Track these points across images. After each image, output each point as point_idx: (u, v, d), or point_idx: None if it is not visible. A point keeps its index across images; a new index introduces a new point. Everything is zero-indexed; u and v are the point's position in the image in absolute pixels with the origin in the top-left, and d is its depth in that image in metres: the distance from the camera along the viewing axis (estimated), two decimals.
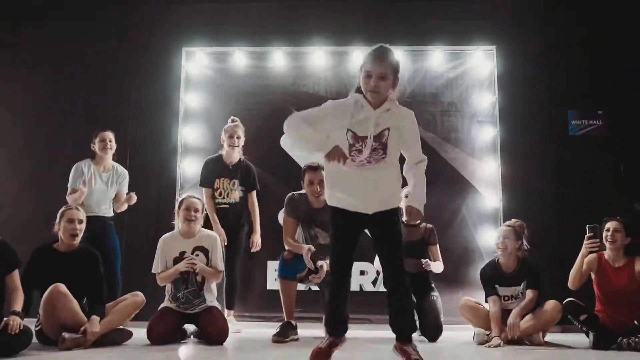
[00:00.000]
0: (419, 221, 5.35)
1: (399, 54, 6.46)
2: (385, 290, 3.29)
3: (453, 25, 6.68)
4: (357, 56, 6.62)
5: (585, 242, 4.86)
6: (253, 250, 5.93)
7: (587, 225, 4.88)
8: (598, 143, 6.49)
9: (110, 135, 5.71)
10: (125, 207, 5.80)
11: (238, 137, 5.92)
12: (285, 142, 3.14)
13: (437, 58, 6.69)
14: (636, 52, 6.53)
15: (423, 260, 5.21)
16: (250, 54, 6.78)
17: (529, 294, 4.88)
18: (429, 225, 5.40)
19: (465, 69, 6.70)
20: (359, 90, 3.25)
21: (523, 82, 6.54)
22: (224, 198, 5.88)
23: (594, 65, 6.53)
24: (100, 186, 5.65)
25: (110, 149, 5.70)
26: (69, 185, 5.62)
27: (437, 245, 5.40)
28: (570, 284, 4.87)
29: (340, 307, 3.32)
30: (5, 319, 3.86)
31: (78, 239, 4.58)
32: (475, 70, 6.70)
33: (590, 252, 4.85)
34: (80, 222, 4.59)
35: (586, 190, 6.32)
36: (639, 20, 6.59)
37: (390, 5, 6.79)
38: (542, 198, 6.33)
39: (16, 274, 4.10)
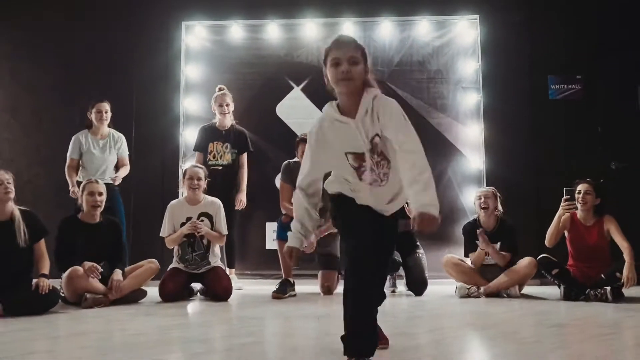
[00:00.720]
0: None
1: (387, 24, 6.87)
2: None
3: None
4: (347, 27, 6.91)
5: (562, 203, 5.20)
6: (237, 208, 6.04)
7: (565, 188, 5.21)
8: (576, 106, 6.75)
9: (106, 107, 5.90)
10: (126, 171, 5.97)
11: (227, 105, 6.16)
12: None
13: (423, 27, 6.91)
14: (612, 20, 6.75)
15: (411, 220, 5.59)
16: (247, 26, 7.00)
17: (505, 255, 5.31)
18: None
19: (451, 37, 6.93)
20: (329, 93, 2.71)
21: (505, 49, 6.78)
22: (217, 160, 6.09)
23: (573, 33, 6.75)
24: (98, 153, 5.84)
25: (106, 119, 5.91)
26: (67, 155, 5.86)
27: None
28: (547, 242, 5.24)
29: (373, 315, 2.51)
30: (35, 280, 4.30)
31: (99, 210, 4.96)
32: (460, 39, 6.93)
33: (569, 212, 5.20)
34: (100, 194, 4.96)
35: (565, 151, 6.62)
36: None
37: None
38: (523, 159, 6.62)
39: (43, 242, 4.51)
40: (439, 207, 2.36)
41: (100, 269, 4.70)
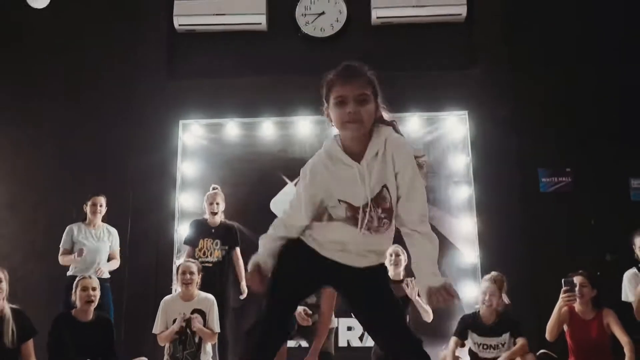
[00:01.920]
0: (402, 278, 5.66)
1: None
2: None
3: (428, 93, 7.03)
4: None
5: (561, 295, 4.99)
6: (242, 297, 6.11)
7: (563, 279, 5.02)
8: (568, 198, 6.80)
9: (101, 200, 6.04)
10: (116, 265, 6.07)
11: (217, 204, 6.20)
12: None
13: (414, 123, 7.06)
14: (599, 112, 6.94)
15: (407, 279, 5.43)
16: (242, 124, 7.17)
17: (520, 340, 5.03)
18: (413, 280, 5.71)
19: (441, 133, 7.07)
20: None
21: (494, 143, 6.87)
22: (207, 257, 6.05)
23: (561, 125, 6.90)
24: (91, 244, 5.91)
25: (100, 212, 6.03)
26: (60, 245, 5.92)
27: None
28: (547, 336, 5.06)
29: None
30: None
31: (93, 306, 4.91)
32: (450, 134, 7.08)
33: (567, 305, 5.03)
34: (94, 289, 4.93)
35: (558, 244, 6.61)
36: (601, 83, 7.01)
37: None
38: (518, 252, 6.55)
39: (31, 343, 4.42)
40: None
41: None
